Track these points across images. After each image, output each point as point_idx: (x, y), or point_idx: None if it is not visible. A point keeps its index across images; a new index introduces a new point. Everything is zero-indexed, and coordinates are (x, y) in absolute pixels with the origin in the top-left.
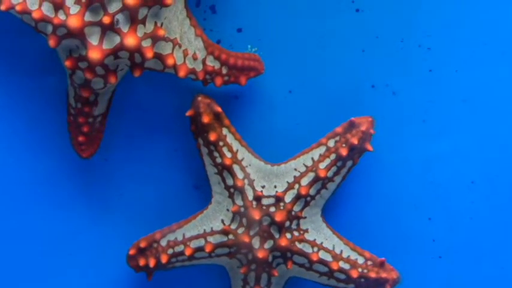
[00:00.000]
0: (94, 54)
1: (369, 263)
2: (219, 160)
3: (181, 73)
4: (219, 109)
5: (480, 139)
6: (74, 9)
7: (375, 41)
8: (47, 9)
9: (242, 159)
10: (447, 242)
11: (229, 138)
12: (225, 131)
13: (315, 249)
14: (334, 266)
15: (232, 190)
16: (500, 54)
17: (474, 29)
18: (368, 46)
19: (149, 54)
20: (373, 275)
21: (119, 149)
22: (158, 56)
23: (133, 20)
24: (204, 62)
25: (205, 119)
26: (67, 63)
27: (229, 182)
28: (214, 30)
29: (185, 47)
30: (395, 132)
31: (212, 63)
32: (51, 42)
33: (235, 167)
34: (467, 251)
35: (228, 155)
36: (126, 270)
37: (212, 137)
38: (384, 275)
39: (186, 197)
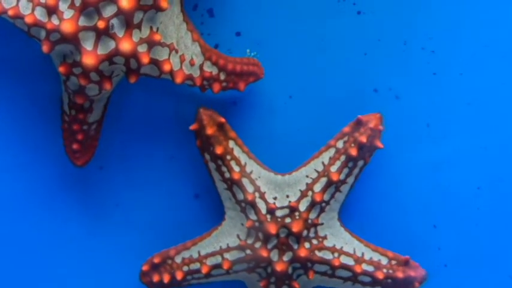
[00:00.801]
0: (88, 60)
1: (393, 262)
2: (227, 175)
3: (178, 79)
4: (222, 119)
5: (486, 143)
6: (68, 13)
7: (377, 44)
8: (40, 14)
9: (251, 172)
10: (453, 250)
11: (237, 151)
12: (231, 143)
13: (336, 254)
14: (358, 269)
15: (243, 205)
16: (505, 57)
17: (478, 30)
18: (370, 49)
19: (145, 59)
20: (400, 275)
21: (114, 156)
22: (154, 62)
23: (129, 25)
24: (201, 67)
25: (209, 131)
26: (61, 69)
27: (240, 196)
28: (212, 34)
29: (182, 52)
30: (399, 137)
31: (210, 69)
32: (45, 48)
33: (245, 181)
34: (474, 259)
35: (236, 169)
36: (122, 281)
37: (218, 150)
38: (411, 273)
39: (186, 207)
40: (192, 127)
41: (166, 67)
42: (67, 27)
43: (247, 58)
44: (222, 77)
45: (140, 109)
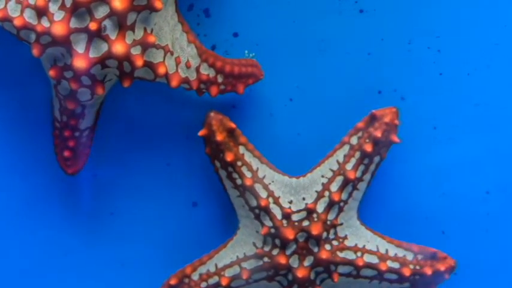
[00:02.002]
0: (80, 63)
1: (420, 257)
2: (239, 181)
3: (174, 83)
4: (232, 125)
5: (495, 146)
6: (58, 15)
7: (380, 44)
8: (29, 16)
9: (264, 177)
10: (462, 256)
11: (248, 157)
12: (241, 149)
13: (359, 254)
14: (383, 267)
15: (257, 211)
16: None
17: (487, 28)
18: (373, 49)
19: (139, 62)
20: (428, 271)
21: (108, 164)
22: (149, 65)
23: (122, 26)
24: (197, 70)
25: (219, 137)
26: (51, 73)
27: (253, 203)
28: (209, 35)
29: (177, 54)
30: (404, 141)
31: (207, 71)
32: (35, 51)
33: (257, 187)
34: (483, 266)
35: (248, 174)
36: None
37: (229, 157)
38: (440, 267)
39: (184, 215)
40: (201, 133)
41: (161, 70)
42: (58, 30)
43: (245, 59)
44: (220, 79)
45: (134, 114)
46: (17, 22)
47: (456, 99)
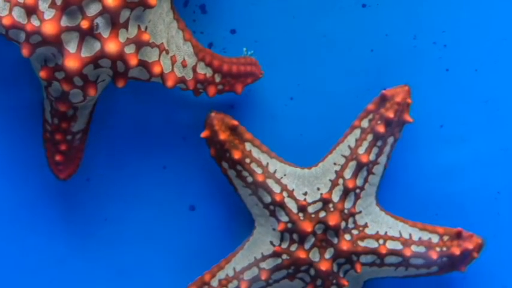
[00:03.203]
0: (71, 63)
1: (445, 238)
2: (250, 179)
3: (170, 82)
4: (234, 122)
5: (505, 145)
6: (49, 13)
7: (384, 40)
8: (18, 15)
9: (275, 172)
10: (458, 277)
11: (256, 153)
12: (248, 146)
13: (381, 241)
14: (407, 253)
15: (272, 207)
16: None
17: (495, 22)
18: (377, 45)
19: (133, 61)
20: (456, 251)
21: (102, 167)
22: (143, 64)
23: (115, 24)
24: (194, 69)
25: (222, 136)
26: (42, 74)
27: (267, 199)
28: (205, 32)
29: (173, 53)
30: (411, 140)
31: (204, 71)
32: (25, 51)
33: (270, 182)
34: (494, 268)
35: (259, 170)
36: None
37: (236, 155)
38: (468, 245)
39: (181, 220)
40: (203, 134)
41: (156, 69)
42: (49, 29)
43: (243, 58)
44: (218, 79)
45: (129, 116)
46: (6, 21)
47: (464, 96)
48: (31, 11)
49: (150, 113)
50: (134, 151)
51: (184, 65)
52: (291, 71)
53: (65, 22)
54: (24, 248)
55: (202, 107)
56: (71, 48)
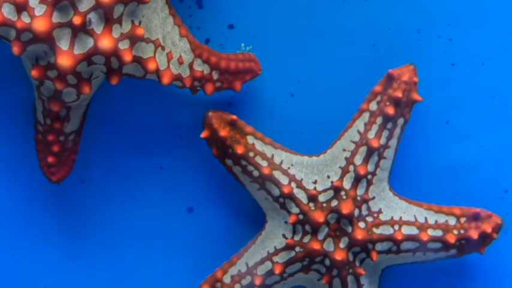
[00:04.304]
0: (64, 61)
1: (463, 220)
2: (256, 173)
3: (165, 80)
4: (233, 117)
5: None
6: (40, 9)
7: (387, 34)
8: (8, 12)
9: (281, 163)
10: (479, 260)
11: (259, 145)
12: (250, 139)
13: (396, 227)
14: (424, 237)
15: (281, 200)
16: None
17: (501, 15)
18: (379, 39)
19: (127, 57)
20: (474, 234)
21: (96, 169)
22: (138, 60)
23: (108, 20)
24: (191, 66)
25: (223, 132)
26: (33, 73)
27: (275, 192)
28: (202, 28)
29: (169, 49)
30: (415, 137)
31: (201, 68)
32: (15, 49)
33: (277, 174)
34: (502, 270)
35: (264, 163)
36: None
37: (239, 149)
38: (486, 227)
39: (179, 222)
40: (203, 135)
41: (152, 66)
42: (40, 25)
43: (242, 54)
44: (215, 76)
45: (124, 115)
46: None
47: (470, 92)
48: (21, 7)
49: (145, 112)
50: (130, 151)
51: (180, 62)
52: (291, 67)
53: (56, 18)
54: (17, 253)
55: (199, 105)
56: (63, 45)
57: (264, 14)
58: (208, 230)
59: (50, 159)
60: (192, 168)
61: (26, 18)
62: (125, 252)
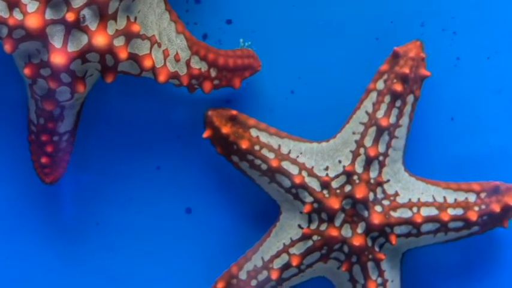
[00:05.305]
0: (58, 59)
1: (483, 195)
2: (264, 167)
3: (162, 77)
4: (233, 112)
5: None
6: (32, 6)
7: (390, 27)
8: (0, 9)
9: (289, 152)
10: (489, 262)
11: (264, 137)
12: (254, 132)
13: (415, 209)
14: (444, 218)
15: (294, 191)
16: None
17: (507, 7)
18: (382, 33)
19: (123, 54)
20: (496, 208)
21: (92, 170)
22: (133, 57)
23: (103, 16)
24: (188, 64)
25: (225, 130)
26: (26, 71)
27: (287, 183)
28: (199, 23)
29: (165, 46)
30: (419, 134)
31: (198, 65)
32: (7, 47)
33: (286, 164)
34: (510, 271)
35: (271, 155)
36: None
37: (244, 144)
38: (508, 200)
39: (177, 224)
40: (205, 135)
41: (148, 63)
42: (32, 22)
43: (240, 50)
44: (213, 73)
45: (119, 114)
46: None
47: (475, 86)
48: (13, 3)
49: (142, 111)
50: (126, 151)
51: (177, 59)
52: (291, 63)
53: (49, 15)
54: (10, 256)
55: (197, 103)
56: (57, 42)
57: (263, 8)
58: (207, 231)
59: (44, 160)
60: (190, 168)
61: (18, 15)
62: (121, 254)
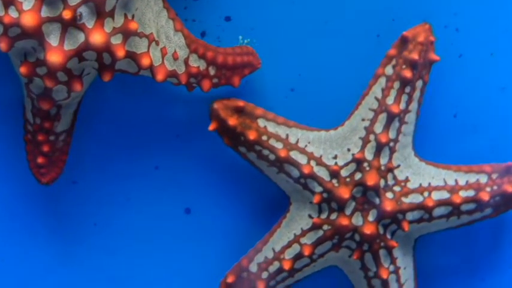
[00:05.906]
0: (54, 57)
1: (494, 176)
2: (272, 157)
3: (160, 76)
4: (240, 103)
5: None
6: (28, 4)
7: (391, 24)
8: None
9: (297, 142)
10: (491, 260)
11: (271, 127)
12: (261, 122)
13: (426, 194)
14: (456, 200)
15: (302, 181)
16: None
17: (510, 3)
18: (383, 30)
19: (120, 53)
20: (509, 188)
21: (89, 170)
22: (131, 55)
23: (100, 13)
24: (186, 62)
25: (232, 121)
26: (22, 70)
27: (295, 173)
28: (198, 20)
29: (163, 44)
30: (422, 131)
31: (197, 64)
32: (3, 45)
33: (294, 154)
34: None
35: (279, 145)
36: None
37: (251, 135)
38: None
39: (176, 224)
40: (211, 127)
41: (145, 61)
42: (28, 20)
43: (239, 47)
44: (212, 72)
45: (117, 113)
46: None
47: (479, 83)
48: (9, 1)
49: (140, 110)
50: (124, 151)
51: (175, 58)
52: (291, 61)
53: (45, 12)
54: (6, 258)
55: (196, 101)
56: (53, 41)
57: (263, 5)
58: (207, 232)
59: (40, 160)
60: (189, 168)
61: (13, 13)
62: (119, 255)
